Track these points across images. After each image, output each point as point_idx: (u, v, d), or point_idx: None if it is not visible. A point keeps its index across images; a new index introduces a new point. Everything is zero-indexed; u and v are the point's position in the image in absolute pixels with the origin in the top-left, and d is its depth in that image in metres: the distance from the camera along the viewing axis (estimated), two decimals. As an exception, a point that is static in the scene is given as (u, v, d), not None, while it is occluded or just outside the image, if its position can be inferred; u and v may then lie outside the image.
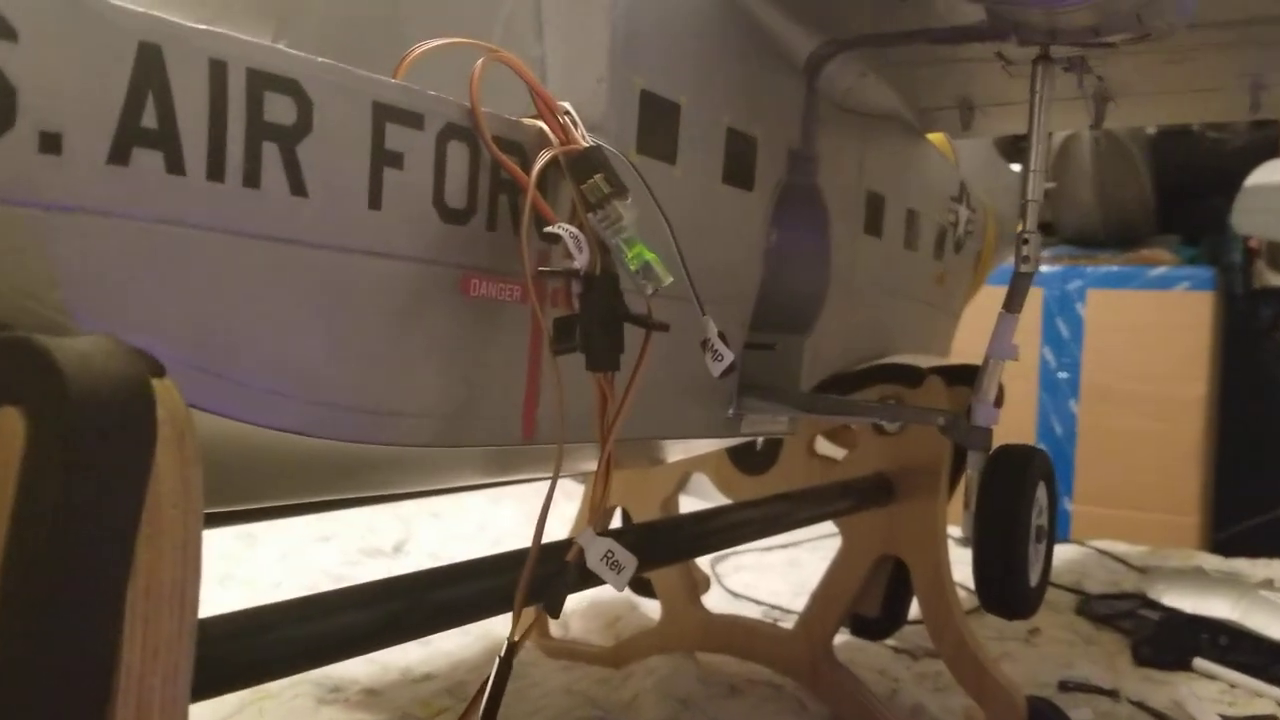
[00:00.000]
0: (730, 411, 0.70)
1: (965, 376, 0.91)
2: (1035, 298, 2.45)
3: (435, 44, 0.47)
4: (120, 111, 0.34)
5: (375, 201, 0.43)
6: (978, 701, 0.89)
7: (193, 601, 0.33)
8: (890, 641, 1.07)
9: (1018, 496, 0.71)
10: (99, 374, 0.29)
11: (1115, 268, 2.41)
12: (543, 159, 0.47)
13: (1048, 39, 0.63)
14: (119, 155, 0.34)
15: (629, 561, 0.49)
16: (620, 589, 0.50)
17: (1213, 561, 1.48)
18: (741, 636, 1.01)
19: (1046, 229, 2.64)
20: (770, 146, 0.69)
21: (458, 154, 0.46)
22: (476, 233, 0.48)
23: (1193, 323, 2.33)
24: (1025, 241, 0.71)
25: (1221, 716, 0.93)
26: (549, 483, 0.49)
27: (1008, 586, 0.71)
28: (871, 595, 0.97)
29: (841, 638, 1.08)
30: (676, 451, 0.80)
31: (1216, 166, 2.46)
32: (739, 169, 0.66)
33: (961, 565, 0.82)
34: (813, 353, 0.78)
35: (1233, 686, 1.02)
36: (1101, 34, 0.59)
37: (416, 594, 0.50)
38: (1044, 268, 2.45)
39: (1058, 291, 2.46)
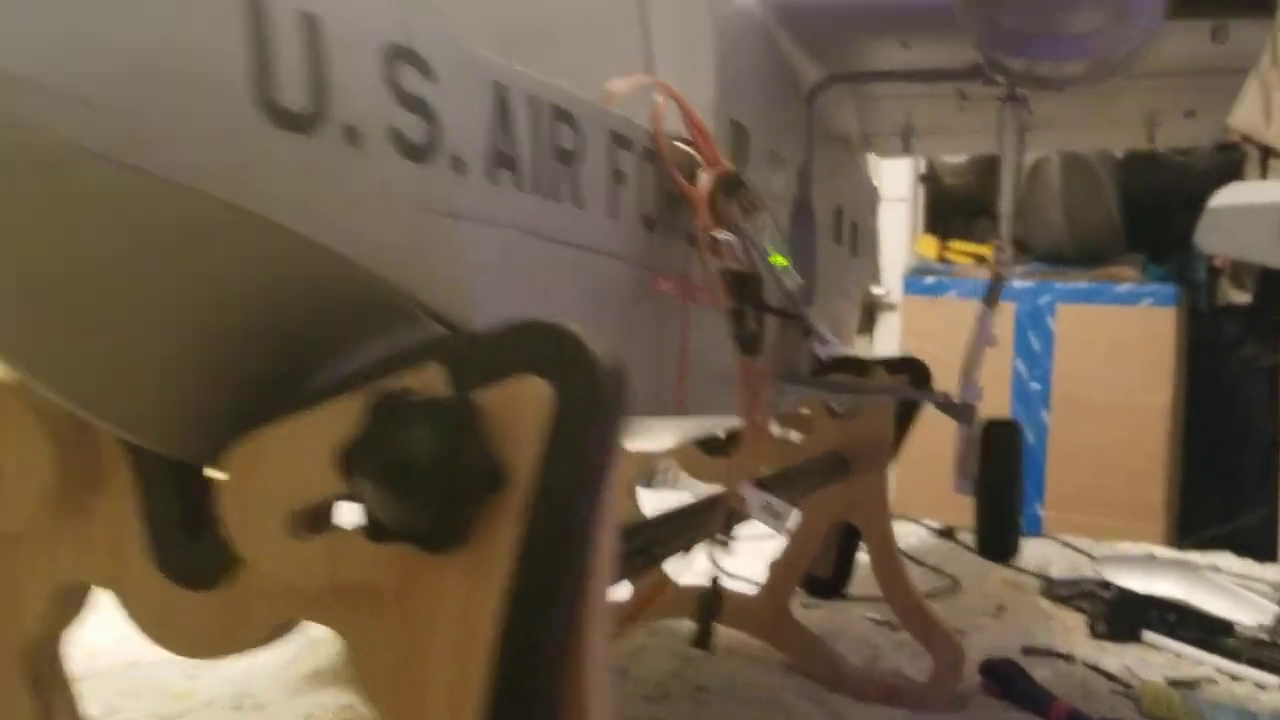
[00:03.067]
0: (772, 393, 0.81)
1: (899, 366, 1.07)
2: (1008, 312, 2.57)
3: (629, 82, 0.56)
4: (489, 137, 0.44)
5: (614, 211, 0.53)
6: (924, 644, 1.02)
7: (613, 549, 0.40)
8: (871, 615, 1.19)
9: (1015, 460, 0.84)
10: (606, 355, 0.37)
11: (1084, 284, 2.52)
12: (707, 178, 0.57)
13: (1036, 85, 0.75)
14: (491, 174, 0.44)
15: (785, 510, 0.60)
16: (782, 533, 0.61)
17: (1165, 551, 1.60)
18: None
19: (1018, 246, 2.78)
20: (789, 167, 0.80)
21: (648, 172, 0.56)
22: (658, 238, 0.58)
23: (1157, 337, 2.45)
24: (1001, 249, 0.83)
25: (1165, 677, 1.04)
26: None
27: (1007, 533, 0.84)
28: (824, 558, 1.10)
29: (821, 613, 1.19)
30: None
31: (1182, 188, 2.58)
32: (776, 189, 0.78)
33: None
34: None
35: (1178, 656, 1.13)
36: (1081, 82, 0.71)
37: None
38: (1016, 283, 2.59)
39: (1029, 306, 2.57)
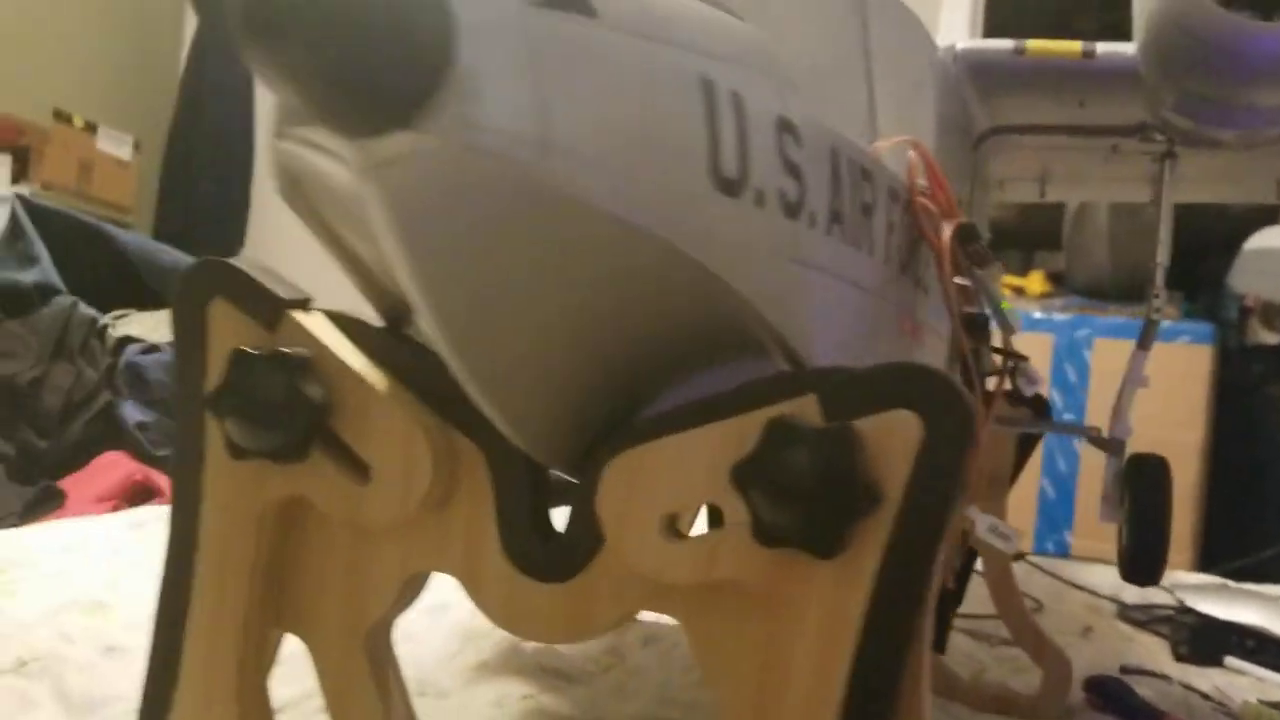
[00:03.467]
0: None
1: (1013, 399, 1.12)
2: (1046, 344, 2.64)
3: (889, 142, 0.63)
4: (829, 195, 0.50)
5: (888, 258, 0.59)
6: (1035, 660, 1.08)
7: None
8: (969, 632, 1.25)
9: (1165, 492, 0.91)
10: (966, 396, 0.43)
11: (1122, 319, 2.58)
12: (948, 229, 0.63)
13: (1200, 145, 0.81)
14: (829, 228, 0.50)
15: (1012, 533, 0.66)
16: (1010, 553, 0.67)
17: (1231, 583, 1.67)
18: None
19: (1058, 279, 2.85)
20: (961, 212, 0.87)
21: (904, 221, 0.62)
22: (905, 281, 0.64)
23: (1192, 374, 2.52)
24: (1157, 296, 0.90)
25: (1259, 699, 1.11)
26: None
27: (1156, 560, 0.90)
28: (949, 572, 1.16)
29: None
30: None
31: (1218, 229, 2.66)
32: None
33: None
34: None
35: (1260, 680, 1.20)
36: (1245, 146, 0.78)
37: None
38: (1055, 316, 2.67)
39: (1067, 339, 2.64)
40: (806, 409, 0.44)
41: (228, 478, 0.52)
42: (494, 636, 1.02)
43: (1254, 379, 2.85)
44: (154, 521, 1.27)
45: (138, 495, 1.37)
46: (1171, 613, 1.35)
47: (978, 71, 0.83)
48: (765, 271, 0.46)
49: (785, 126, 0.46)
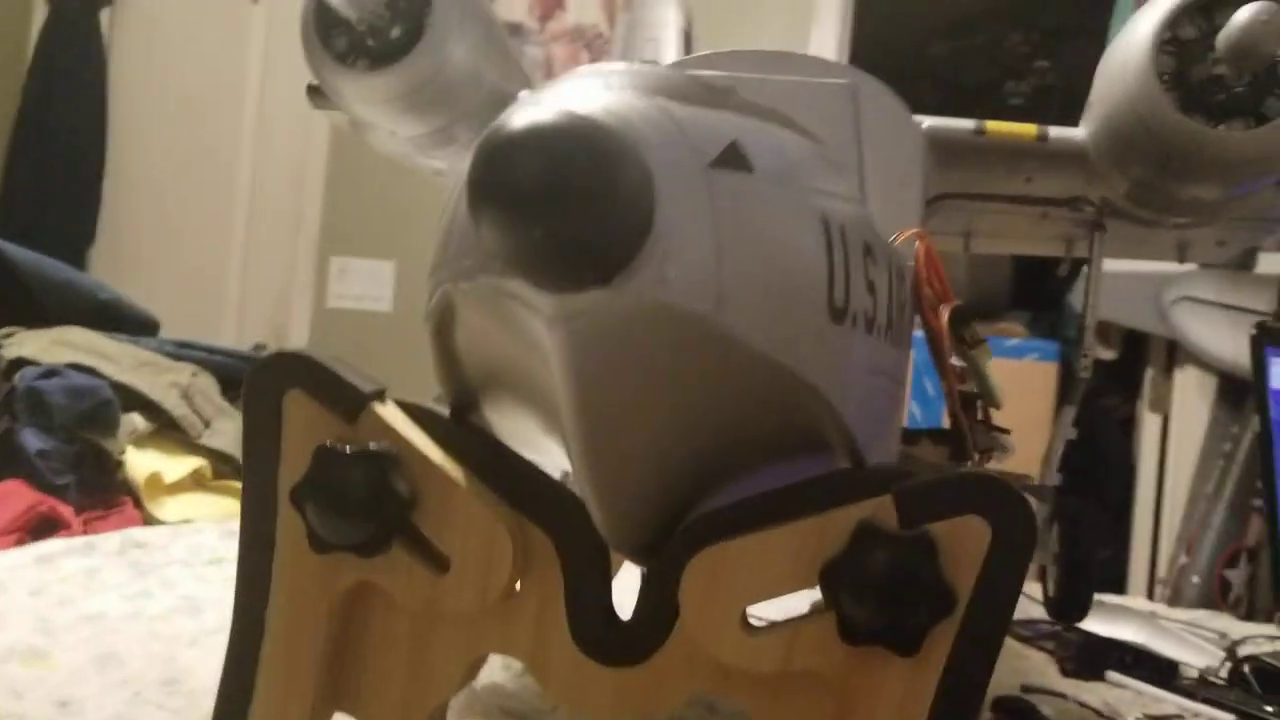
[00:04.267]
0: None
1: (941, 437, 1.19)
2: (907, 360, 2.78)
3: (903, 236, 0.67)
4: (888, 303, 0.54)
5: (905, 345, 0.61)
6: None
7: None
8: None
9: (1091, 534, 0.98)
10: (1026, 503, 0.47)
11: (977, 337, 2.73)
12: (945, 312, 0.68)
13: (1137, 222, 0.88)
14: (886, 333, 0.54)
15: None
16: None
17: (1111, 597, 1.79)
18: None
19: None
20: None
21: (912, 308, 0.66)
22: (904, 359, 0.65)
23: (1040, 389, 2.68)
24: (1085, 355, 0.97)
25: (1145, 714, 1.20)
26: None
27: (1086, 600, 0.97)
28: None
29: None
30: None
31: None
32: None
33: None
34: None
35: (1139, 694, 1.30)
36: (1163, 225, 0.85)
37: None
38: (916, 333, 2.80)
39: (926, 355, 2.77)
40: (883, 510, 0.48)
41: (302, 568, 0.53)
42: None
43: (1090, 393, 3.02)
44: (62, 555, 1.23)
45: (42, 527, 1.32)
46: (1052, 627, 1.45)
47: (939, 144, 0.88)
48: (852, 385, 0.50)
49: (868, 250, 0.50)
